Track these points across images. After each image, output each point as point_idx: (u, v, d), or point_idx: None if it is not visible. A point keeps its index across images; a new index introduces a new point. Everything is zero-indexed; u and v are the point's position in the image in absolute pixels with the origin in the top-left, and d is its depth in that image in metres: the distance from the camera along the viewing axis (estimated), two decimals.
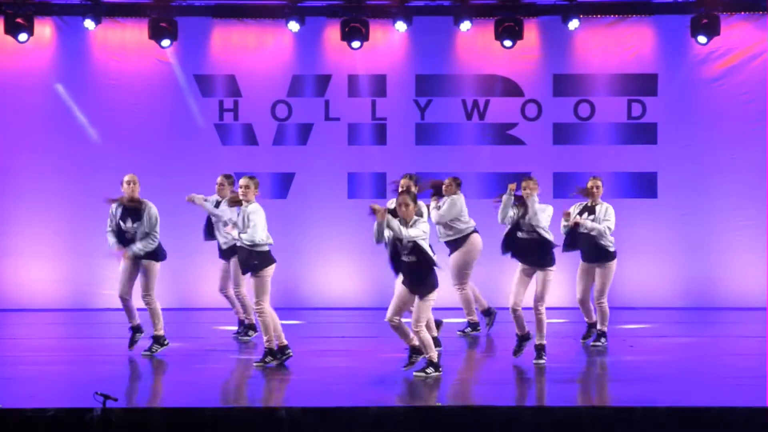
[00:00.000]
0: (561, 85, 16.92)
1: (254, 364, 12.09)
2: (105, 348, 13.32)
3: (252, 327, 13.77)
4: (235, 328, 14.15)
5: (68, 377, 11.75)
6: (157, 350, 12.71)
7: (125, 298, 12.72)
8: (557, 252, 12.36)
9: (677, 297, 16.79)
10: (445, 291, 13.69)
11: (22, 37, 16.31)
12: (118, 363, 12.40)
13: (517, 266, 12.25)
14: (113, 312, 15.69)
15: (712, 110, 16.80)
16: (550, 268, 12.14)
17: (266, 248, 12.00)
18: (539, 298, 12.13)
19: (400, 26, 16.46)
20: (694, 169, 16.81)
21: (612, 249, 13.08)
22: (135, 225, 12.66)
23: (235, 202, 12.20)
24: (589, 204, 13.17)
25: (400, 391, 11.03)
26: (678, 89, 16.82)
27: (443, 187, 13.96)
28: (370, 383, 11.42)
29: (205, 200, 13.53)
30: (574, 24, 16.46)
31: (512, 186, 12.24)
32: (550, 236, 12.14)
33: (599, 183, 13.18)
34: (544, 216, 12.18)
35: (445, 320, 13.83)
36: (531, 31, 16.70)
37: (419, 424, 9.50)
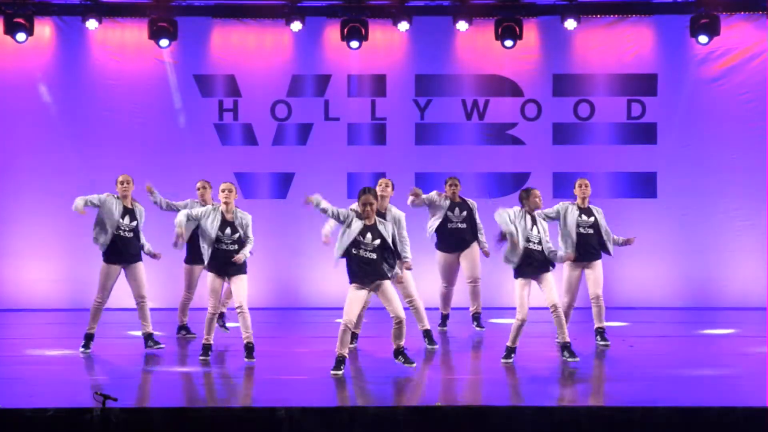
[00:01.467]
0: (561, 85, 16.92)
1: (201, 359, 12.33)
2: (104, 348, 13.31)
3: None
4: (234, 325, 14.17)
5: (68, 377, 11.74)
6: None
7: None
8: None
9: (676, 297, 16.78)
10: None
11: (21, 36, 16.30)
12: (117, 363, 12.39)
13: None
14: (113, 312, 15.67)
15: (711, 110, 16.80)
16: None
17: None
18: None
19: (400, 26, 16.47)
20: (694, 169, 16.81)
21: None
22: (132, 223, 12.85)
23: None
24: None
25: (399, 391, 11.03)
26: (678, 89, 16.81)
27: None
28: (370, 383, 11.41)
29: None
30: (573, 24, 16.46)
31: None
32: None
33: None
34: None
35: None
36: (531, 31, 16.70)
37: (419, 424, 9.50)
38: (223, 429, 9.47)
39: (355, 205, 11.84)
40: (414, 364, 11.67)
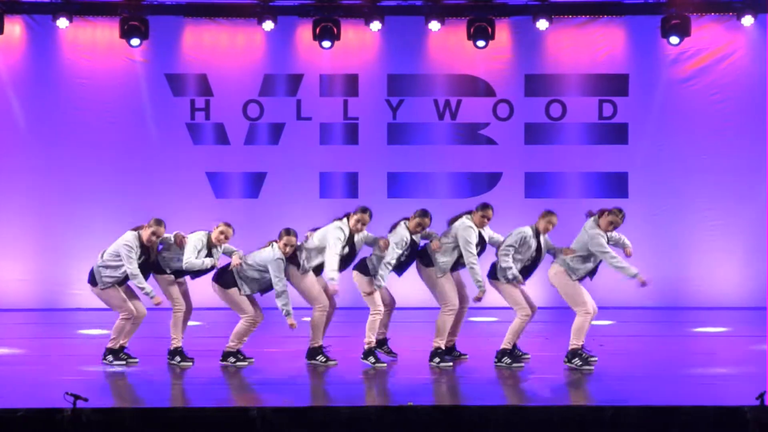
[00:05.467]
0: (532, 85, 16.95)
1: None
2: (75, 348, 13.26)
3: None
4: (200, 324, 14.14)
5: (38, 377, 11.68)
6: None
7: None
8: None
9: (648, 296, 16.76)
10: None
11: None
12: (88, 363, 12.34)
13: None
14: (83, 312, 15.63)
15: (683, 110, 16.86)
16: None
17: None
18: None
19: (372, 26, 16.46)
20: (665, 169, 16.87)
21: None
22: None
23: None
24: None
25: (373, 391, 11.03)
26: (649, 89, 16.88)
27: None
28: (345, 383, 11.41)
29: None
30: (545, 24, 16.49)
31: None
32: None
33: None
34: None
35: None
36: (503, 31, 16.72)
37: (392, 424, 9.50)
38: (195, 429, 9.44)
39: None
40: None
